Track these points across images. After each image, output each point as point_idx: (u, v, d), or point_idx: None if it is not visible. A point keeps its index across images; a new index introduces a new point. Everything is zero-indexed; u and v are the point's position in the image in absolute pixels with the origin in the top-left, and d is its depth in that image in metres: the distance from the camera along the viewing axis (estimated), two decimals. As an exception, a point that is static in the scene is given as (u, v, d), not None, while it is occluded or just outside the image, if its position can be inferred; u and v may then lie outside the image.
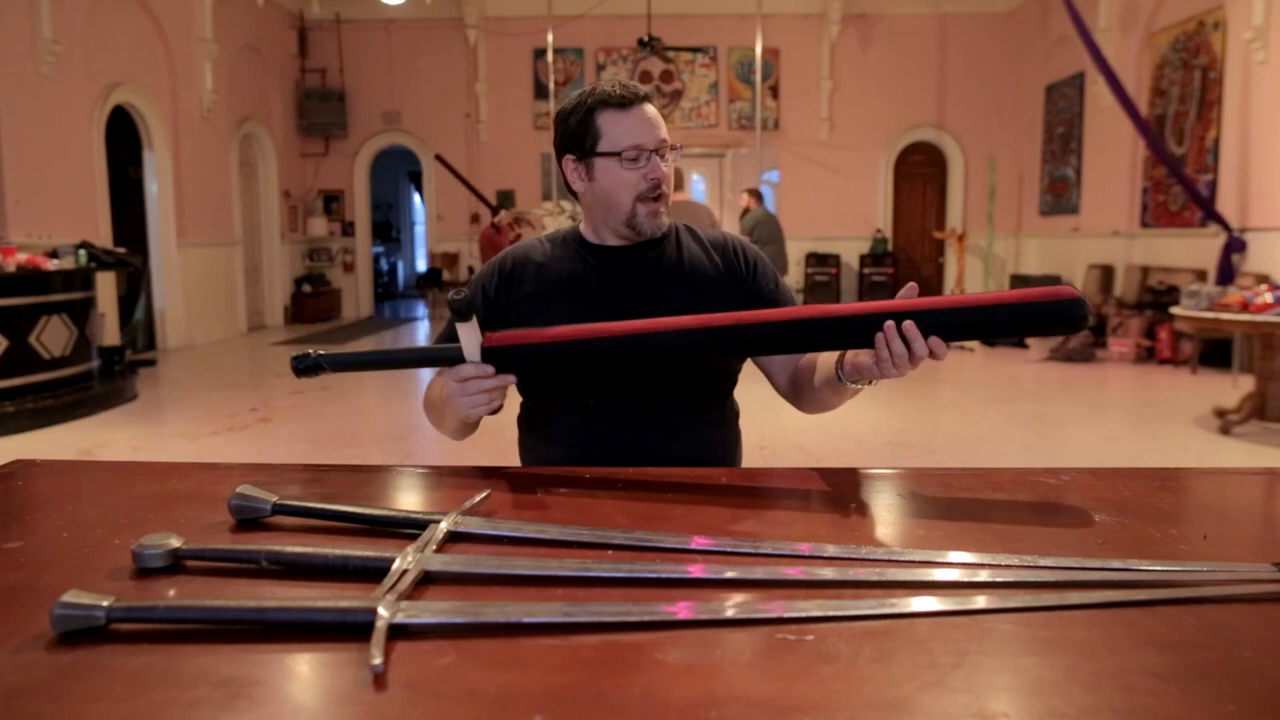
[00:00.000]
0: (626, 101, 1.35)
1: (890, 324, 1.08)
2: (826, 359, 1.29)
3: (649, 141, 1.35)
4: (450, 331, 1.42)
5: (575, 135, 1.38)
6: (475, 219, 11.46)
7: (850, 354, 1.21)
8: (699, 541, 0.91)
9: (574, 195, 1.46)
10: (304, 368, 1.20)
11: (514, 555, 0.88)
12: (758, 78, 10.93)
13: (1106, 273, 8.99)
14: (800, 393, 1.41)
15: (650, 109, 1.37)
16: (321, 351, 1.20)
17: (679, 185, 6.12)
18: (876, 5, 11.08)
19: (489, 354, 1.16)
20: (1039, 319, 1.05)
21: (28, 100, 6.50)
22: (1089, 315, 1.06)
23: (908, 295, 1.12)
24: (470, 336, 1.15)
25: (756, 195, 7.06)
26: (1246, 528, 1.07)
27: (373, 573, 0.81)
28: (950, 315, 1.08)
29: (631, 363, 1.35)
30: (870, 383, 1.21)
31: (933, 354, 1.09)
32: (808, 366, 1.38)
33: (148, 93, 8.11)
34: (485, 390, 1.16)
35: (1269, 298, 4.58)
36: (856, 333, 1.11)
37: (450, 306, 1.10)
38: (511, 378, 1.18)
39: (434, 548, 0.87)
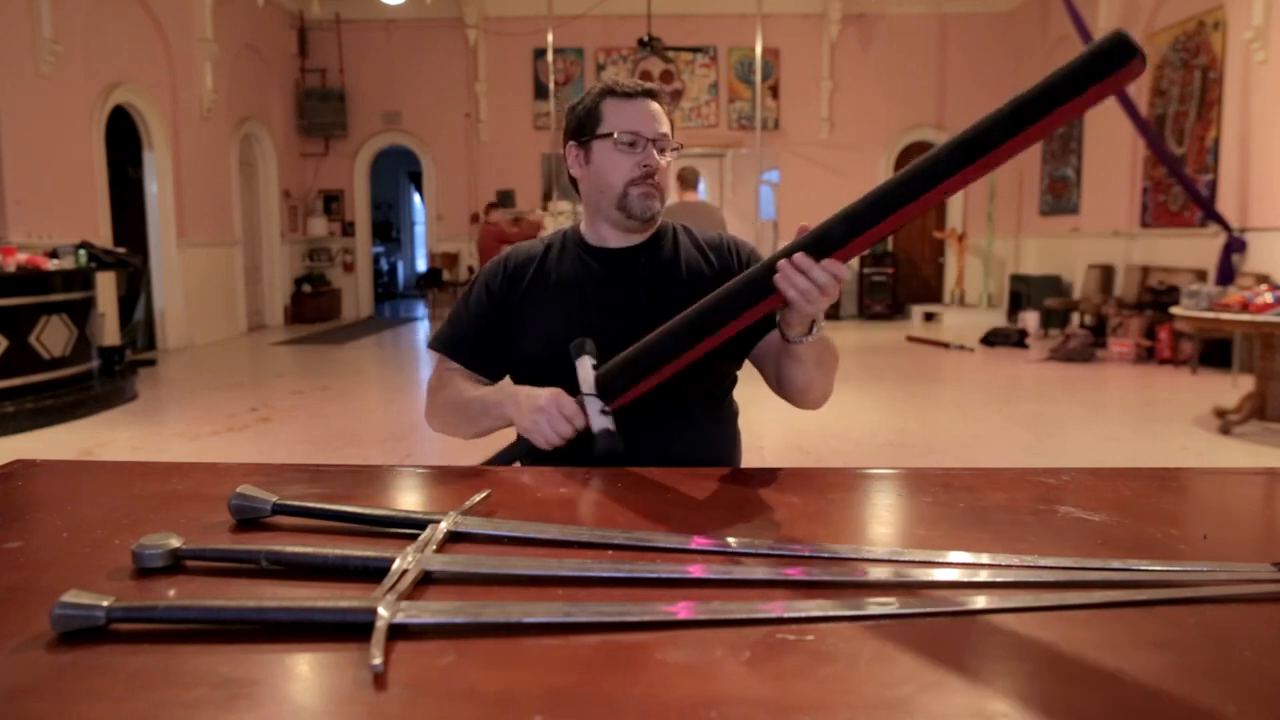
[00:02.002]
0: (631, 93, 1.40)
1: (783, 263, 1.07)
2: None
3: (647, 131, 1.38)
4: (468, 329, 1.44)
5: (580, 122, 1.43)
6: (475, 219, 11.46)
7: (780, 314, 1.20)
8: (699, 541, 0.91)
9: (575, 187, 1.47)
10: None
11: (514, 555, 0.88)
12: (758, 78, 10.93)
13: (1106, 273, 8.99)
14: (782, 378, 1.39)
15: (654, 105, 1.41)
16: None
17: (692, 187, 6.10)
18: (876, 5, 11.08)
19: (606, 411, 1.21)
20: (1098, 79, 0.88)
21: (28, 100, 6.50)
22: (1142, 55, 0.87)
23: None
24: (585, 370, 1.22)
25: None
26: (1246, 528, 1.07)
27: (373, 573, 0.81)
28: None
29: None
30: (810, 332, 1.19)
31: (836, 277, 1.07)
32: (779, 349, 1.36)
33: (148, 93, 8.10)
34: (561, 433, 1.22)
35: (1269, 298, 4.57)
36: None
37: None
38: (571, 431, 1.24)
39: (434, 548, 0.87)
